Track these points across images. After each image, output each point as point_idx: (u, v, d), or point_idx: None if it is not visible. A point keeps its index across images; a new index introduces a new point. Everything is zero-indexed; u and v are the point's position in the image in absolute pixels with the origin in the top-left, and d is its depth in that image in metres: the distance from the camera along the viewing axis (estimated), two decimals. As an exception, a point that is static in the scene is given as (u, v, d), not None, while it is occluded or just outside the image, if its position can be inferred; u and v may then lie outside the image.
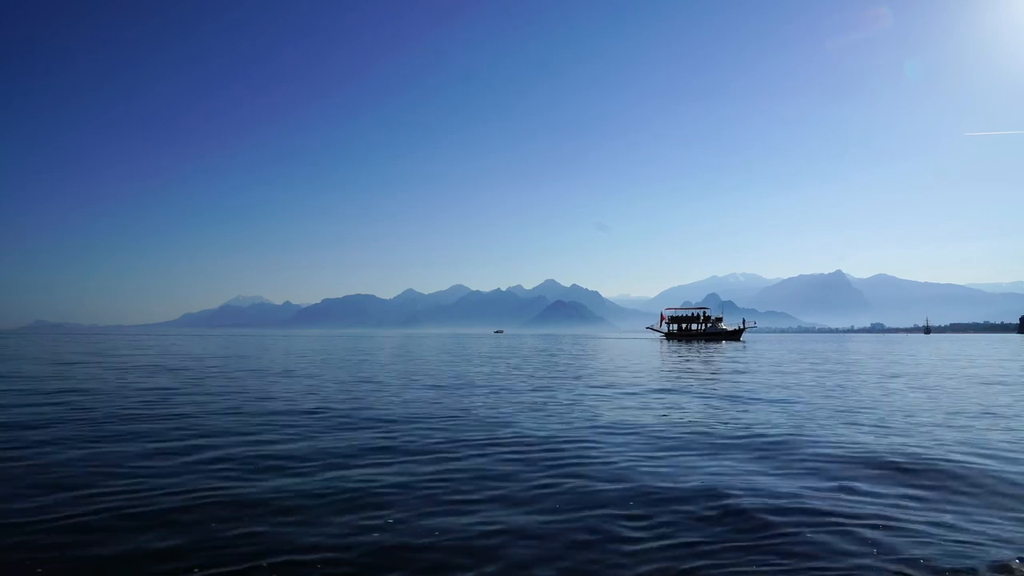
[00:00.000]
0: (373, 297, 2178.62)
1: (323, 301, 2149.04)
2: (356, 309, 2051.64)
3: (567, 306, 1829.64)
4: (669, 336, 67.03)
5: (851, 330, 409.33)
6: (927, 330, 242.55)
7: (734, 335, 64.69)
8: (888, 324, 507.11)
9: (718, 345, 44.75)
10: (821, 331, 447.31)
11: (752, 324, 67.90)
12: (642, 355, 29.58)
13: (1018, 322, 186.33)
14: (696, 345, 44.56)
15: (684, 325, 67.15)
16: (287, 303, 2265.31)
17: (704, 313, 66.79)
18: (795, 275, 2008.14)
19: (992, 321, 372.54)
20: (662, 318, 69.17)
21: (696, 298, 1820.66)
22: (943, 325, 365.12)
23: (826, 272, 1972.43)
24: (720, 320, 66.29)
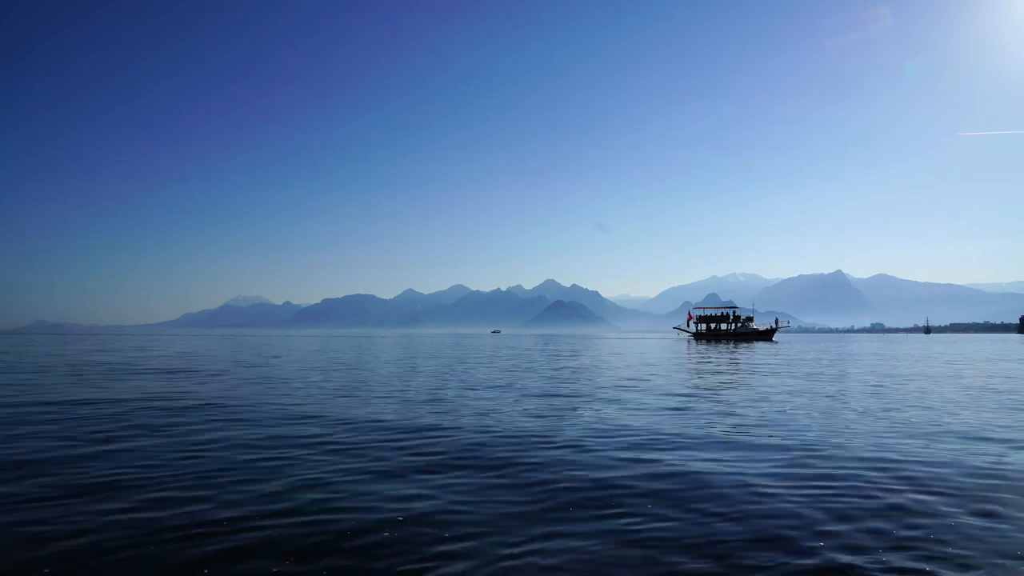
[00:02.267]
0: (373, 297, 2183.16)
1: (323, 301, 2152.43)
2: (356, 309, 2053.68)
3: (567, 306, 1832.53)
4: (697, 336, 64.39)
5: (851, 330, 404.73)
6: (927, 330, 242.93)
7: (766, 335, 62.13)
8: (888, 324, 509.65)
9: (754, 346, 41.60)
10: (821, 331, 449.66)
11: (785, 323, 64.39)
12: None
13: (1018, 322, 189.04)
14: (738, 347, 40.57)
15: (713, 325, 65.13)
16: (287, 303, 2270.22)
17: (734, 312, 64.44)
18: (795, 275, 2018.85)
19: (992, 321, 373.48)
20: (689, 317, 66.86)
21: (696, 298, 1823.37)
22: (943, 325, 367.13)
23: (826, 272, 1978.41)
24: (751, 319, 63.95)
